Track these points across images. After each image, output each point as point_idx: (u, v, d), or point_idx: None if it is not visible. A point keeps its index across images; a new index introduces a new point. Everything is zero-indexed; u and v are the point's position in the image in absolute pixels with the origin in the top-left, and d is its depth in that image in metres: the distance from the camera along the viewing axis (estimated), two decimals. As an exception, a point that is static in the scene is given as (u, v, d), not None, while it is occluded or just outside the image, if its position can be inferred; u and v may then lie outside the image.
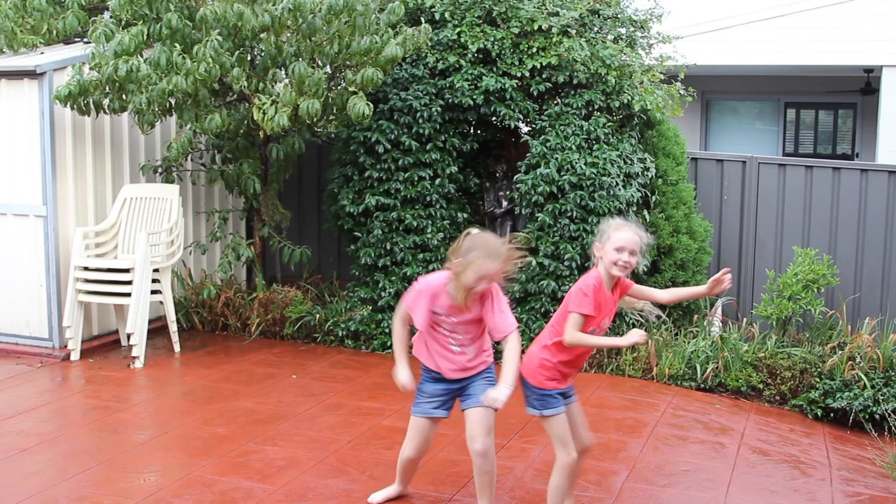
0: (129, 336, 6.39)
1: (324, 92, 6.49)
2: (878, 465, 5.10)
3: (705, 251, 7.44)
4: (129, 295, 6.38)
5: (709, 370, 6.25)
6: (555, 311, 6.56)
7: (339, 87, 6.93)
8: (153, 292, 6.61)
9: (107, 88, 6.40)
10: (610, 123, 6.92)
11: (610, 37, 7.36)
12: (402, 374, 3.85)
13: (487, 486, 3.89)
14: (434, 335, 3.87)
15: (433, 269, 3.74)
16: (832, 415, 5.88)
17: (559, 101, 6.93)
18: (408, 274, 6.78)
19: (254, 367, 6.45)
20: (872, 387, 5.78)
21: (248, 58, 6.75)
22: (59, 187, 6.54)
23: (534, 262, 6.62)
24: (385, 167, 6.99)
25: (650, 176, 7.12)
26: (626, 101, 6.94)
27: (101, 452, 4.75)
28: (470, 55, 6.91)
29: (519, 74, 6.82)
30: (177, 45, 6.19)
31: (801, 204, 7.77)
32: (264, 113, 6.28)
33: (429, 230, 6.89)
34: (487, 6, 7.00)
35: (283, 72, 6.72)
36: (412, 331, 3.96)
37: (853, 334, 6.47)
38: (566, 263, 6.58)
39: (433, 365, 3.90)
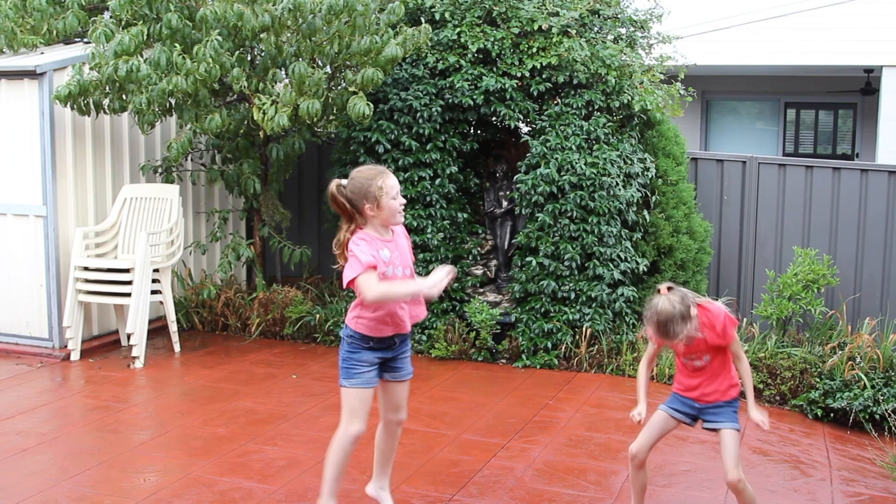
0: (129, 336, 6.39)
1: (324, 92, 6.49)
2: (878, 465, 5.10)
3: (705, 251, 7.44)
4: (129, 295, 6.38)
5: (709, 370, 6.24)
6: (554, 310, 6.59)
7: (339, 87, 6.93)
8: (153, 292, 6.61)
9: (107, 88, 6.40)
10: (610, 123, 6.92)
11: (610, 37, 7.36)
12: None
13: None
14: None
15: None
16: (832, 415, 5.87)
17: (559, 101, 6.93)
18: (408, 274, 6.77)
19: (254, 367, 6.45)
20: (872, 387, 5.78)
21: (248, 58, 6.76)
22: (59, 187, 6.54)
23: (534, 262, 6.63)
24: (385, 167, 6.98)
25: (650, 176, 7.12)
26: (626, 101, 6.94)
27: (101, 452, 4.75)
28: (470, 55, 6.91)
29: (519, 74, 6.82)
30: (177, 45, 6.19)
31: (801, 204, 7.77)
32: (264, 113, 6.28)
33: (429, 230, 6.89)
34: (487, 6, 7.00)
35: (283, 72, 6.72)
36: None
37: (853, 334, 6.47)
38: (566, 263, 6.58)
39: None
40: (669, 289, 3.60)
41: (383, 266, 3.53)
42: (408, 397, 3.96)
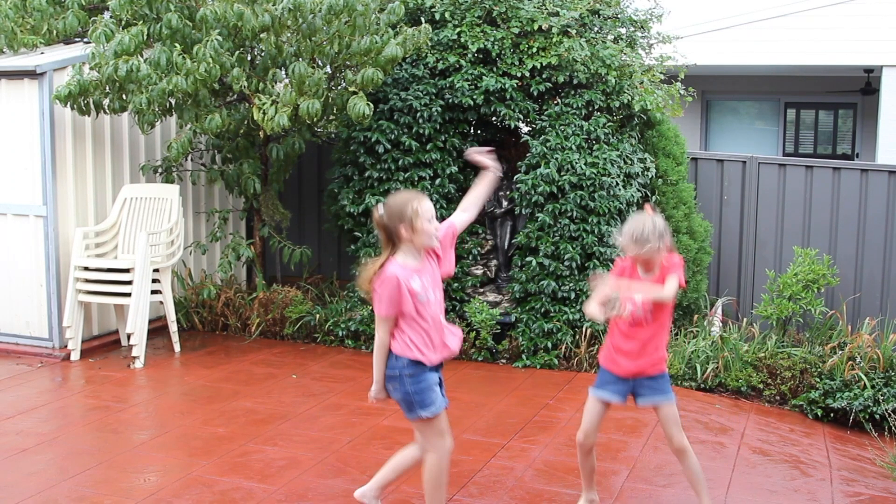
0: (129, 336, 6.39)
1: (324, 92, 6.49)
2: (878, 465, 5.10)
3: (705, 251, 7.44)
4: (129, 295, 6.38)
5: (709, 370, 6.25)
6: (555, 310, 6.59)
7: (339, 87, 6.93)
8: (153, 292, 6.61)
9: (107, 88, 6.40)
10: (610, 123, 6.92)
11: (610, 37, 7.36)
12: None
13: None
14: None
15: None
16: (832, 415, 5.87)
17: (559, 101, 6.93)
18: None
19: (254, 367, 6.45)
20: (872, 387, 5.78)
21: (248, 58, 6.76)
22: (59, 187, 6.54)
23: (534, 262, 6.63)
24: (385, 167, 6.99)
25: (650, 176, 7.12)
26: (626, 101, 6.94)
27: (101, 452, 4.75)
28: (470, 55, 6.91)
29: (519, 74, 6.82)
30: (177, 45, 6.19)
31: (801, 204, 7.77)
32: (264, 113, 6.28)
33: (429, 230, 6.89)
34: (487, 6, 7.00)
35: (283, 72, 6.72)
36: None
37: (853, 334, 6.47)
38: (566, 263, 6.58)
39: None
40: (654, 210, 3.86)
41: (415, 297, 3.59)
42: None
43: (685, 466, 3.94)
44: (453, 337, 3.74)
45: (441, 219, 3.83)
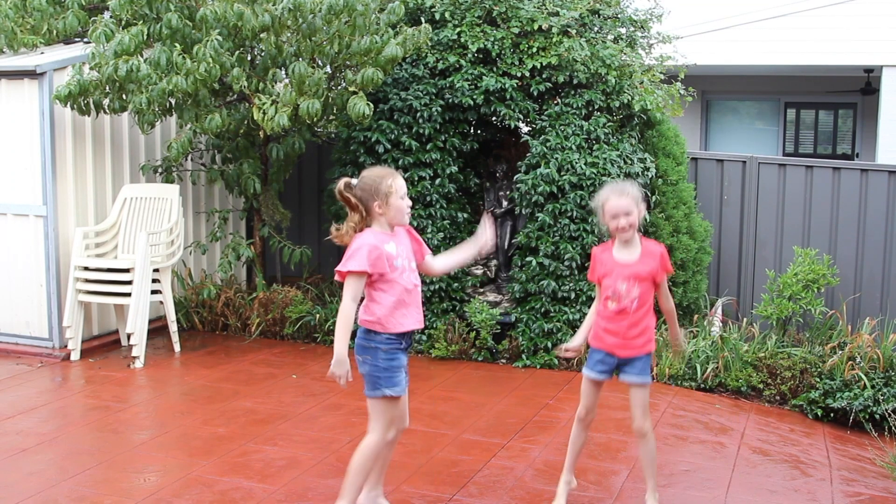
0: (129, 336, 6.39)
1: (324, 92, 6.49)
2: (879, 465, 5.10)
3: (705, 251, 7.44)
4: (129, 295, 6.38)
5: (709, 370, 6.25)
6: (555, 310, 6.59)
7: (339, 87, 6.93)
8: (153, 292, 6.61)
9: (107, 88, 6.40)
10: (610, 123, 6.92)
11: (610, 37, 7.36)
12: None
13: None
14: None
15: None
16: (832, 415, 5.88)
17: (559, 101, 6.93)
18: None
19: (254, 367, 6.45)
20: (872, 387, 5.78)
21: (248, 58, 6.75)
22: (59, 187, 6.54)
23: (534, 262, 6.63)
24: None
25: (650, 176, 7.12)
26: (626, 101, 6.94)
27: (101, 452, 4.75)
28: (470, 55, 6.91)
29: (519, 74, 6.82)
30: (177, 45, 6.19)
31: (801, 204, 7.77)
32: (264, 113, 6.28)
33: (429, 230, 6.89)
34: (487, 6, 7.00)
35: (283, 72, 6.72)
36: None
37: (853, 334, 6.47)
38: (566, 263, 6.58)
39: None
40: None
41: (388, 261, 3.64)
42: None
43: (641, 449, 4.07)
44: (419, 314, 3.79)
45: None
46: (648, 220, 7.10)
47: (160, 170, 7.15)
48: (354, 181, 3.72)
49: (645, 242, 4.05)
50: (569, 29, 6.92)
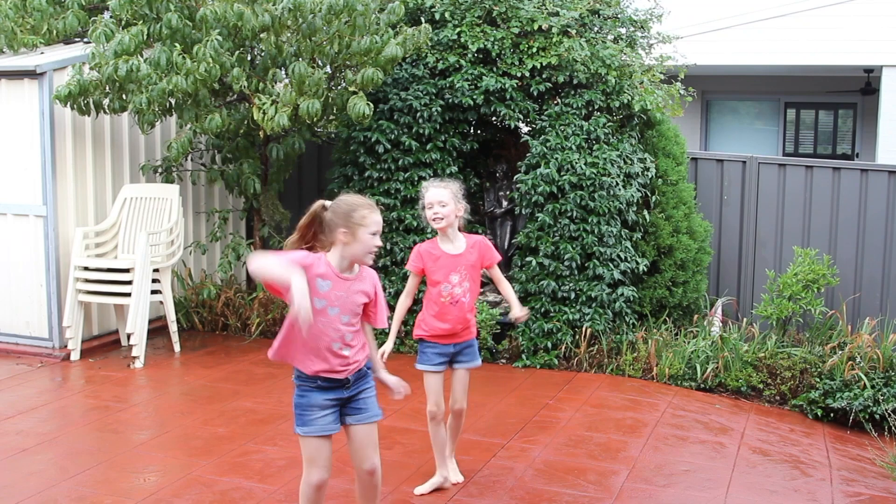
0: (129, 336, 6.39)
1: (324, 92, 6.49)
2: (878, 465, 5.10)
3: (705, 251, 7.44)
4: (129, 295, 6.38)
5: (709, 370, 6.25)
6: (554, 310, 6.59)
7: (339, 87, 6.93)
8: (153, 292, 6.61)
9: (107, 88, 6.40)
10: (610, 123, 6.92)
11: (610, 37, 7.36)
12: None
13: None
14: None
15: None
16: (832, 415, 5.88)
17: (559, 101, 6.93)
18: (408, 274, 6.77)
19: (254, 367, 6.45)
20: (872, 387, 5.78)
21: (248, 58, 6.75)
22: (59, 187, 6.54)
23: (534, 262, 6.63)
24: (385, 167, 6.99)
25: (650, 176, 7.12)
26: (626, 101, 6.94)
27: (101, 452, 4.75)
28: (470, 55, 6.91)
29: (519, 74, 6.82)
30: (177, 45, 6.19)
31: (801, 204, 7.77)
32: (264, 113, 6.28)
33: (429, 230, 6.89)
34: (487, 6, 7.00)
35: (283, 72, 6.72)
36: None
37: (853, 334, 6.47)
38: (566, 263, 6.58)
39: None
40: None
41: (314, 290, 3.26)
42: (377, 440, 3.65)
43: (452, 423, 4.42)
44: (347, 352, 3.42)
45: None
46: (648, 220, 7.10)
47: (160, 170, 7.15)
48: (329, 203, 3.40)
49: (468, 236, 4.32)
50: (569, 29, 6.92)
